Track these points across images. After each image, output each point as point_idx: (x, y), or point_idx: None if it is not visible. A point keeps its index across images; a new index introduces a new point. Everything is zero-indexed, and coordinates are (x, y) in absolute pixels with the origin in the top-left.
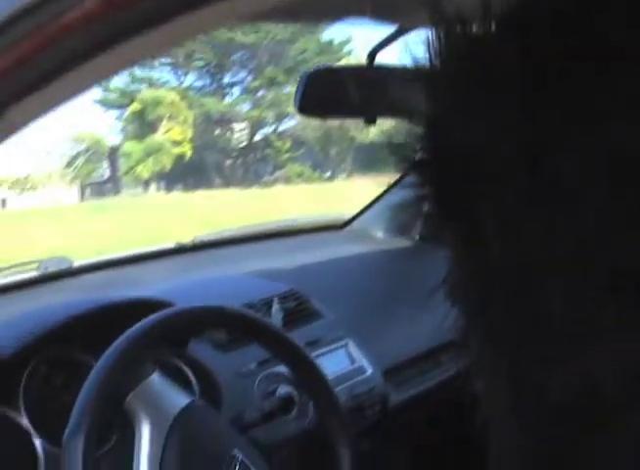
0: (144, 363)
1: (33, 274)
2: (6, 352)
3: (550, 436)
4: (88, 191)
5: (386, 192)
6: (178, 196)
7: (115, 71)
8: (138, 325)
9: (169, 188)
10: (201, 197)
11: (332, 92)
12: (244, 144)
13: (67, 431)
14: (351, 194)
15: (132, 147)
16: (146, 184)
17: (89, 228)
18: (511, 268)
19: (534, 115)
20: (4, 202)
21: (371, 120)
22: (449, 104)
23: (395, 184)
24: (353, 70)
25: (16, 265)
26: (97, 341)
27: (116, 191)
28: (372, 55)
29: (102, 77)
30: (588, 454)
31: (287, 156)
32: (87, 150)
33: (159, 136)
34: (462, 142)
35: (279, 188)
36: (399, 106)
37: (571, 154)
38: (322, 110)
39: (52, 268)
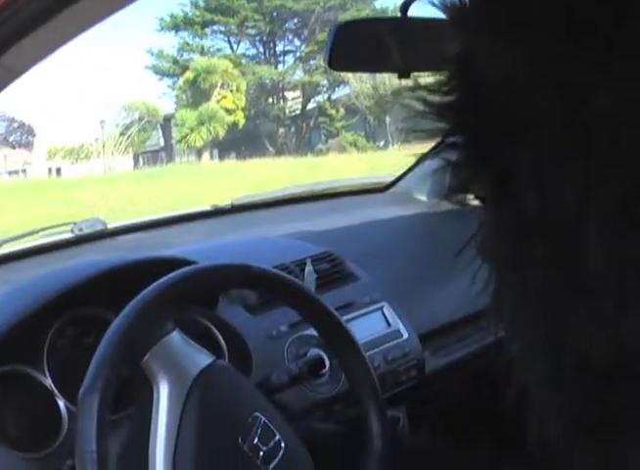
0: (163, 322)
1: (67, 236)
2: (28, 311)
3: (593, 400)
4: (142, 159)
5: (429, 154)
6: (231, 164)
7: (107, 13)
8: (157, 283)
9: (222, 156)
10: (253, 165)
11: (363, 45)
12: (297, 112)
13: (82, 388)
14: (405, 162)
15: (185, 115)
16: (199, 152)
17: (142, 195)
18: (547, 221)
19: (572, 55)
20: (59, 170)
21: (404, 75)
22: (484, 42)
23: (439, 146)
24: (385, 23)
25: (50, 227)
26: (119, 300)
27: (170, 159)
28: (405, 7)
29: (94, 19)
30: (636, 419)
31: (340, 124)
32: (141, 119)
33: (212, 104)
34: (496, 82)
35: (332, 157)
36: (433, 58)
37: (611, 97)
38: (352, 64)
39: (86, 230)
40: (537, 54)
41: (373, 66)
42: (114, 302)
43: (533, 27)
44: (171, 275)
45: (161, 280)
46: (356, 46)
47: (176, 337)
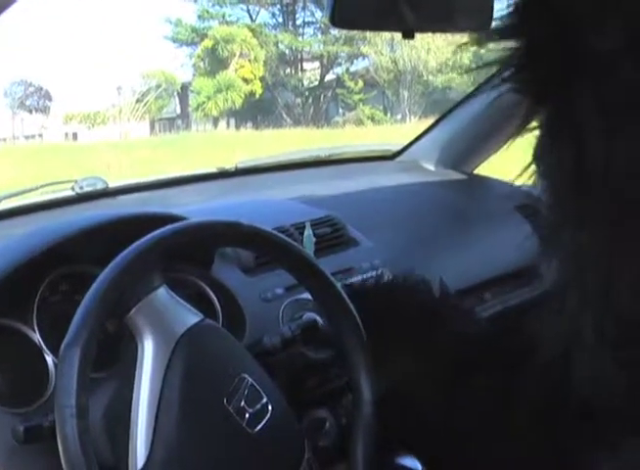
0: (150, 277)
1: (68, 193)
2: (18, 265)
3: (628, 366)
4: (158, 126)
5: (438, 123)
6: (247, 133)
7: None
8: (144, 238)
9: (239, 125)
10: (270, 135)
11: (367, 2)
12: (315, 83)
13: (63, 342)
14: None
15: (203, 84)
16: (215, 121)
17: (156, 160)
18: (609, 174)
19: None
20: (75, 135)
21: (409, 35)
22: None
23: (447, 116)
24: None
25: (50, 183)
26: (110, 256)
27: (186, 127)
28: None
29: None
30: None
31: (358, 97)
32: (158, 86)
33: (229, 73)
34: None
35: (349, 129)
36: (439, 18)
37: None
38: (356, 22)
39: (87, 188)
40: None
41: (376, 24)
42: (104, 258)
43: None
44: (159, 230)
45: (149, 235)
46: (362, 2)
47: (163, 294)
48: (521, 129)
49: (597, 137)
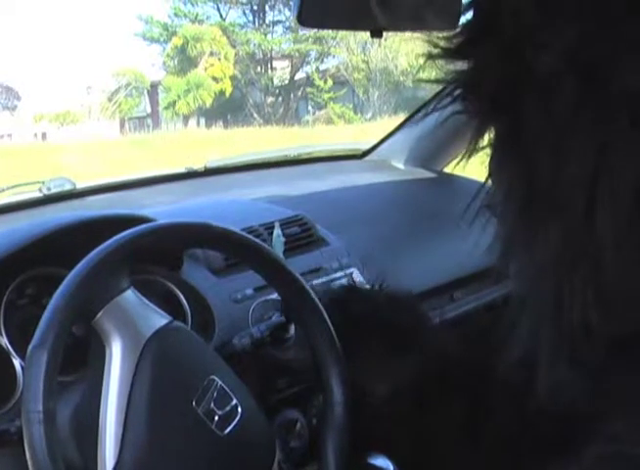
0: (117, 279)
1: (36, 195)
2: None
3: (606, 372)
4: (128, 125)
5: (407, 121)
6: (217, 132)
7: None
8: (112, 239)
9: (209, 124)
10: (240, 134)
11: (334, 1)
12: (285, 82)
13: (30, 345)
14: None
15: (173, 82)
16: (185, 120)
17: (127, 161)
18: (556, 193)
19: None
20: (44, 135)
21: (377, 34)
22: None
23: (416, 115)
24: None
25: (18, 185)
26: (76, 257)
27: (156, 125)
28: None
29: None
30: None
31: (328, 95)
32: (128, 85)
33: (199, 72)
34: (516, 27)
35: (319, 127)
36: (409, 17)
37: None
38: (324, 21)
39: (55, 189)
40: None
41: (347, 23)
42: (72, 260)
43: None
44: (126, 232)
45: (116, 237)
46: (329, 1)
47: (131, 296)
48: (471, 149)
49: (544, 156)
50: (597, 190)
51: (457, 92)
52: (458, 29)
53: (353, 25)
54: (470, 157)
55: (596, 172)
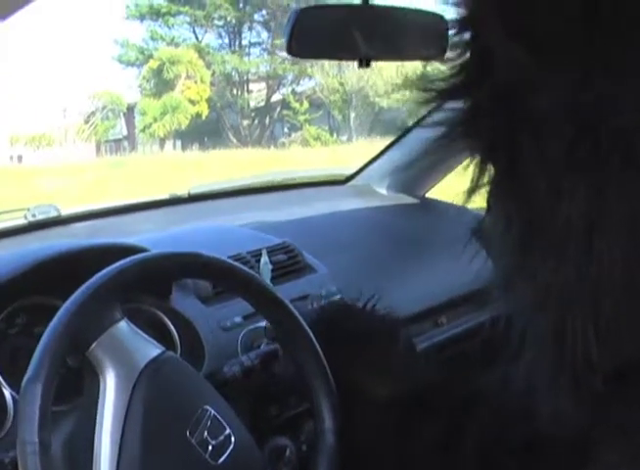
0: (111, 310)
1: (20, 222)
2: None
3: (605, 403)
4: (104, 148)
5: (389, 147)
6: (194, 155)
7: None
8: (105, 271)
9: (185, 147)
10: (216, 156)
11: (323, 32)
12: (261, 104)
13: (25, 378)
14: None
15: (149, 105)
16: (162, 142)
17: (104, 184)
18: (553, 227)
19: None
20: (20, 158)
21: (365, 63)
22: (500, 37)
23: (399, 140)
24: (347, 10)
25: (2, 212)
26: (69, 287)
27: (133, 148)
28: None
29: None
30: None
31: (304, 117)
32: (104, 107)
33: (176, 94)
34: (510, 74)
35: (295, 149)
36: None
37: (629, 115)
38: (313, 50)
39: (40, 216)
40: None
41: (333, 53)
42: (64, 289)
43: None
44: (119, 263)
45: (109, 268)
46: (318, 32)
47: (124, 327)
48: (472, 189)
49: (540, 195)
50: (592, 230)
51: (455, 132)
52: (454, 70)
53: (340, 55)
54: (472, 194)
55: (590, 212)
